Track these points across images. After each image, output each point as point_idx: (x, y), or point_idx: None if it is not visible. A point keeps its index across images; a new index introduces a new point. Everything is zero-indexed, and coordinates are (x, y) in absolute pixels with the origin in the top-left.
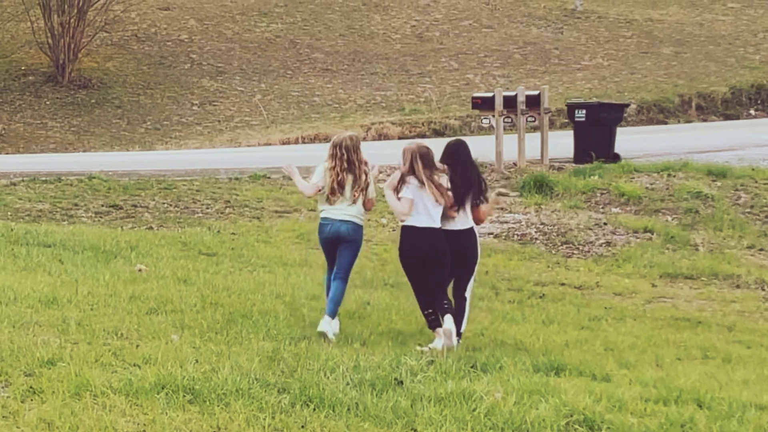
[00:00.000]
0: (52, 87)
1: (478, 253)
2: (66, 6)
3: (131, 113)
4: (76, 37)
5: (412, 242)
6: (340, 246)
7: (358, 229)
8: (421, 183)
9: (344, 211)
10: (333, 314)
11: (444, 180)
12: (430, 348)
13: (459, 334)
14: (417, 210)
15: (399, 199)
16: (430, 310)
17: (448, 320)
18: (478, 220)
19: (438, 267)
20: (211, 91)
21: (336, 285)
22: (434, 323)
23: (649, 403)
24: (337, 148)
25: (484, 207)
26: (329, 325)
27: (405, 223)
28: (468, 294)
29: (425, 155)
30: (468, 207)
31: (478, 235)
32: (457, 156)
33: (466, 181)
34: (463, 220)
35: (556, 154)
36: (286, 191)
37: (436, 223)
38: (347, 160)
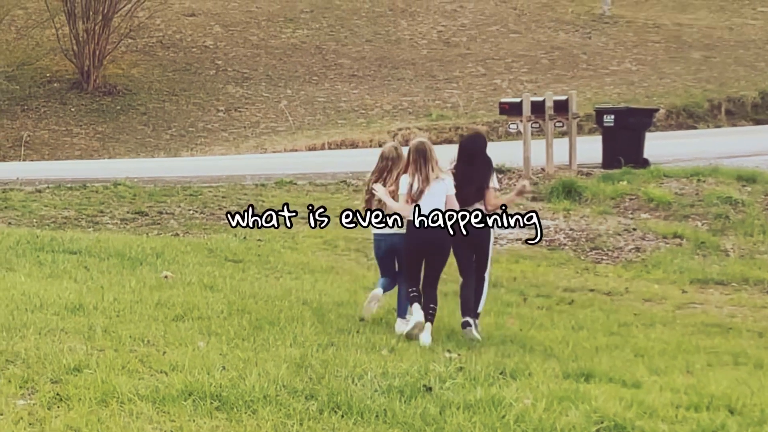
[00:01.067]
0: (77, 94)
1: (490, 238)
2: (91, 13)
3: (156, 120)
4: (101, 44)
5: (413, 236)
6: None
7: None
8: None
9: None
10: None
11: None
12: (407, 320)
13: (477, 314)
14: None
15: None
16: (413, 289)
17: (417, 310)
18: (489, 208)
19: (436, 257)
20: (237, 98)
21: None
22: (414, 299)
23: (680, 410)
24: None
25: (489, 195)
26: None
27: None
28: (486, 275)
29: (421, 151)
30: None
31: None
32: (460, 155)
33: (466, 180)
34: (475, 209)
35: (584, 160)
36: (312, 197)
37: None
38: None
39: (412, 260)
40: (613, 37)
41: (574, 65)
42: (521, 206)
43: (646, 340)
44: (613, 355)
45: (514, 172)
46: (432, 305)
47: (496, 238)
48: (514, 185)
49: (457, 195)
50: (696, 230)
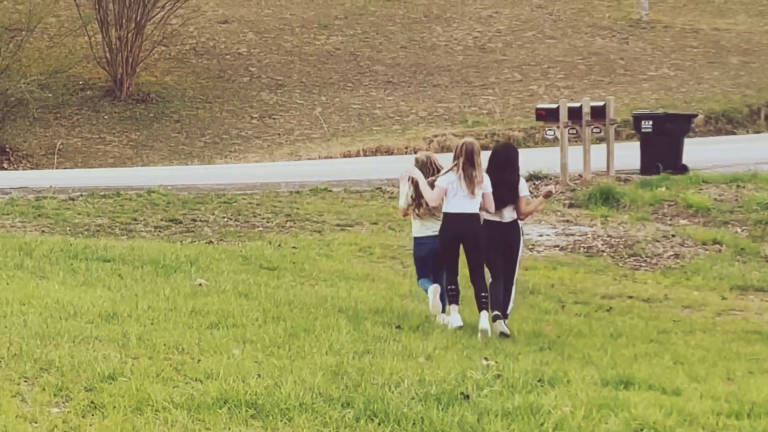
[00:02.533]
0: (110, 101)
1: (520, 243)
2: (124, 20)
3: (190, 127)
4: (134, 52)
5: (449, 226)
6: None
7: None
8: (458, 174)
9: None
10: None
11: (486, 182)
12: (442, 318)
13: (506, 315)
14: (455, 197)
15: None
16: (453, 287)
17: (484, 318)
18: (522, 215)
19: (472, 248)
20: (271, 105)
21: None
22: (453, 299)
23: (721, 417)
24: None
25: (521, 204)
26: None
27: (444, 210)
28: (514, 280)
29: (469, 150)
30: (510, 204)
31: (521, 228)
32: (493, 162)
33: (500, 181)
34: (508, 214)
35: (622, 166)
36: (347, 204)
37: (472, 209)
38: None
39: (447, 249)
40: (651, 43)
41: (612, 71)
42: (558, 213)
43: (685, 347)
44: (653, 362)
45: (551, 179)
46: (483, 293)
47: (533, 245)
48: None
49: (493, 194)
50: (735, 236)
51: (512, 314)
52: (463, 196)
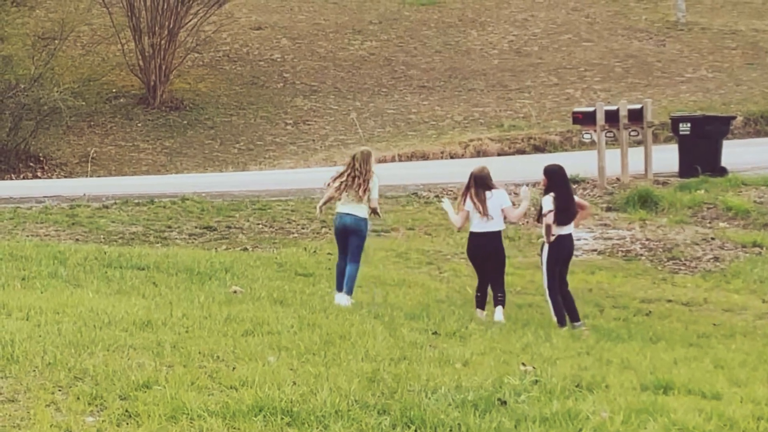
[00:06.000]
0: (144, 109)
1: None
2: (156, 28)
3: (224, 134)
4: (167, 59)
5: (473, 243)
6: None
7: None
8: (473, 199)
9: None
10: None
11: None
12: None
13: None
14: (476, 218)
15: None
16: (479, 294)
17: (498, 312)
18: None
19: (493, 260)
20: (305, 110)
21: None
22: (480, 303)
23: (761, 422)
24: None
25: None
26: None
27: (470, 229)
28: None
29: (479, 177)
30: (499, 211)
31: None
32: (563, 179)
33: (571, 199)
34: (493, 224)
35: (660, 169)
36: (383, 210)
37: (491, 228)
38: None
39: (473, 263)
40: (688, 44)
41: (649, 73)
42: (596, 216)
43: (726, 351)
44: (692, 366)
45: (588, 182)
46: (499, 294)
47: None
48: (590, 194)
49: (565, 212)
50: None
51: (549, 319)
52: (479, 218)
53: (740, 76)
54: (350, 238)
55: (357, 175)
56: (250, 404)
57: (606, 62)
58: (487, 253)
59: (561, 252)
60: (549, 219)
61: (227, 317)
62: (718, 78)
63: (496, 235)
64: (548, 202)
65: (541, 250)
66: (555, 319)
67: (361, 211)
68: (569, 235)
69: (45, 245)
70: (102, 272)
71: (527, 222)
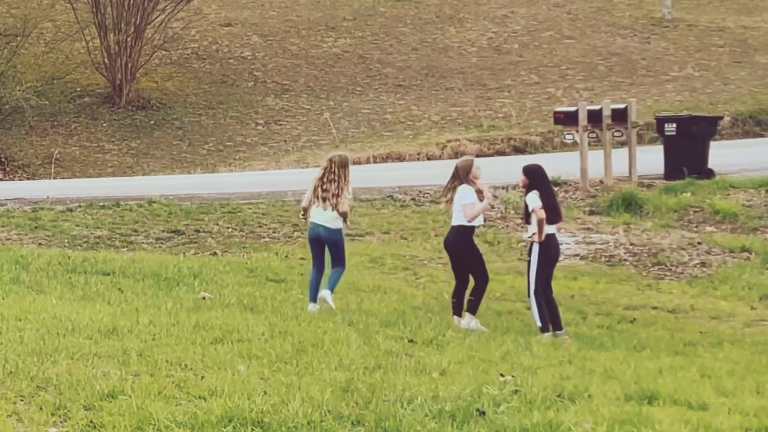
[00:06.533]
0: (109, 108)
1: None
2: (123, 24)
3: (192, 134)
4: (134, 57)
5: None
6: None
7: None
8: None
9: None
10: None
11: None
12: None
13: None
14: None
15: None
16: (455, 299)
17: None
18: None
19: (452, 257)
20: (277, 110)
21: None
22: (456, 309)
23: None
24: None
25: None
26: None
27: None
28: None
29: (457, 168)
30: (459, 206)
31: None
32: (545, 179)
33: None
34: (454, 219)
35: (645, 171)
36: (358, 213)
37: (452, 223)
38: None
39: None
40: (674, 42)
41: (633, 72)
42: (579, 220)
43: (713, 359)
44: (678, 375)
45: (570, 185)
46: (471, 297)
47: None
48: (572, 197)
49: (554, 210)
50: (765, 243)
51: (529, 327)
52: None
53: (728, 75)
54: (328, 248)
55: (333, 179)
56: (219, 415)
57: (589, 60)
58: (446, 248)
59: (552, 252)
60: (541, 213)
61: (196, 324)
62: (705, 77)
63: (452, 230)
64: (535, 199)
65: (530, 252)
66: (539, 324)
67: (333, 222)
68: (554, 235)
69: (6, 250)
70: (66, 278)
71: (507, 226)
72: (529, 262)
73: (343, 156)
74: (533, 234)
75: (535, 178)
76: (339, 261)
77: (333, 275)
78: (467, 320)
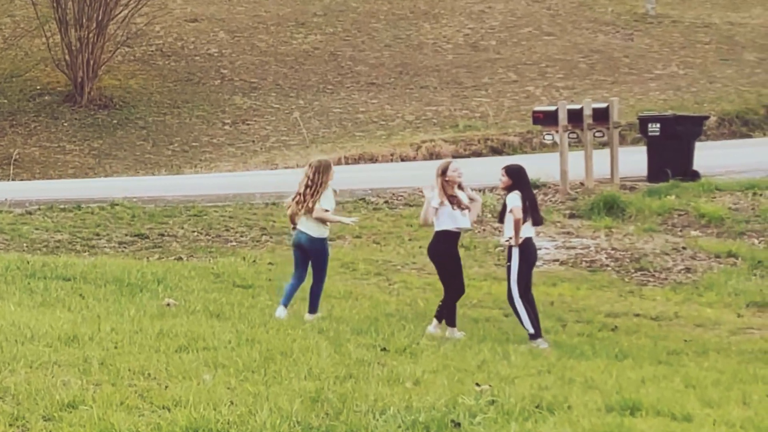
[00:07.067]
0: (70, 107)
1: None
2: (84, 20)
3: (157, 134)
4: (96, 53)
5: None
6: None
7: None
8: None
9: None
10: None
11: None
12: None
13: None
14: None
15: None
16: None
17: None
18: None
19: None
20: (244, 109)
21: None
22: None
23: None
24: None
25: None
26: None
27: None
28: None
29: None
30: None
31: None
32: (526, 180)
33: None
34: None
35: (627, 173)
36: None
37: (439, 227)
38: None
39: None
40: (658, 39)
41: (615, 70)
42: (558, 224)
43: (697, 369)
44: (662, 385)
45: (549, 187)
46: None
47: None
48: (551, 200)
49: (535, 212)
50: (752, 248)
51: (507, 335)
52: None
53: (714, 73)
54: (310, 258)
55: (309, 185)
56: (183, 426)
57: (569, 58)
58: (429, 255)
59: (531, 255)
60: (519, 214)
61: (160, 332)
62: (690, 75)
63: (434, 236)
64: (516, 199)
65: (509, 257)
66: (531, 331)
67: (315, 230)
68: (532, 238)
69: None
70: (24, 283)
71: (484, 230)
72: (508, 267)
73: (322, 161)
74: (510, 237)
75: (517, 178)
76: (317, 272)
77: (312, 294)
78: (433, 326)
